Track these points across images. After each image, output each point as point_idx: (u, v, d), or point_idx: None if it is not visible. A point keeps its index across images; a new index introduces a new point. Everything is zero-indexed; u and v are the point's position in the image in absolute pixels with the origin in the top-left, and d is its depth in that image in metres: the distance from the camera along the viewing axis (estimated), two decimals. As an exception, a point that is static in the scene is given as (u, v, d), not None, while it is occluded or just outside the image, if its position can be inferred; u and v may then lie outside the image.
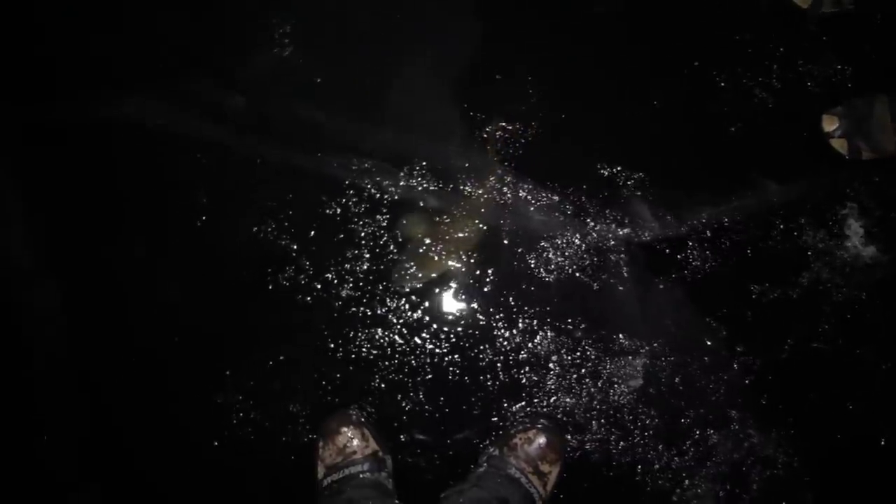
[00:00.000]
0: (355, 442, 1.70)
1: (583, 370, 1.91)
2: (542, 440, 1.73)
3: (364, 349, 1.93)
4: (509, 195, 1.99)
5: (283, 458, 1.88)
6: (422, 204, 1.98)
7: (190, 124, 2.04)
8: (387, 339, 1.93)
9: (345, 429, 1.72)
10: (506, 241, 1.96)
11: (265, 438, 1.89)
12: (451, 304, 1.95)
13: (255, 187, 2.01)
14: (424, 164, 2.00)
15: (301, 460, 1.84)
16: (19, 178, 2.05)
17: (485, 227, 1.97)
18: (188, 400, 1.94)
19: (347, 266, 1.96)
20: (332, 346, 1.93)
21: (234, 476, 1.91)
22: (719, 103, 2.04)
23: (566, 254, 1.96)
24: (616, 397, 1.90)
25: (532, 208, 1.98)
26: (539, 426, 1.77)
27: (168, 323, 1.97)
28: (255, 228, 1.98)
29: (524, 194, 1.99)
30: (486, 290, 1.95)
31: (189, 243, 2.00)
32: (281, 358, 1.92)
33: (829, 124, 1.96)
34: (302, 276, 1.96)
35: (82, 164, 2.04)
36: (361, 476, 1.64)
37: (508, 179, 1.99)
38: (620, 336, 1.93)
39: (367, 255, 1.96)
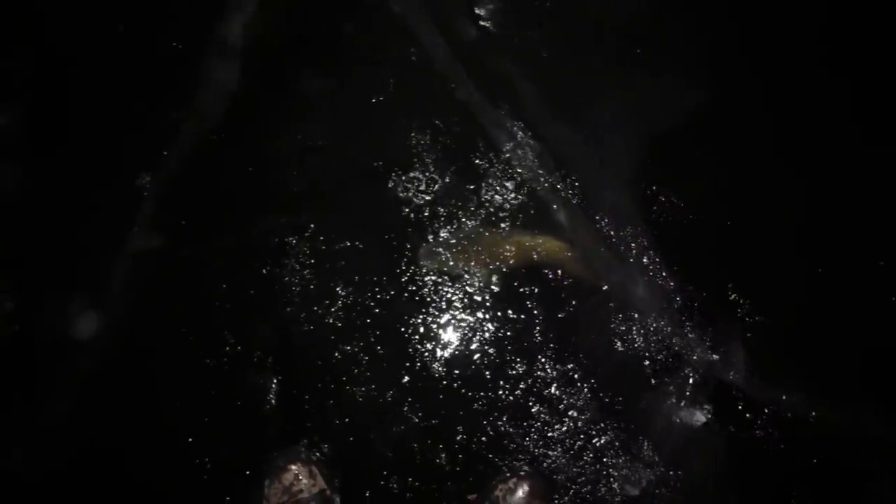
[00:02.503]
0: (303, 480, 1.63)
1: (591, 444, 1.79)
2: (525, 488, 1.64)
3: (412, 287, 1.92)
4: (632, 256, 1.94)
5: (293, 312, 1.89)
6: (554, 207, 1.98)
7: (423, 27, 2.18)
8: (428, 290, 1.91)
9: (292, 466, 1.64)
10: (601, 290, 1.91)
11: (282, 289, 1.91)
12: (515, 304, 1.90)
13: (435, 105, 2.10)
14: (582, 180, 2.01)
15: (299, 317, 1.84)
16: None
17: (590, 267, 1.93)
18: (265, 220, 2.00)
19: (454, 209, 1.98)
20: (396, 253, 1.95)
21: (235, 297, 1.93)
22: (885, 321, 1.92)
23: (646, 338, 1.87)
24: (605, 490, 1.76)
25: (643, 280, 1.92)
26: (521, 473, 1.67)
27: (289, 155, 2.06)
28: (412, 133, 2.06)
29: (646, 262, 1.93)
30: (558, 315, 1.89)
31: (355, 110, 2.10)
32: (349, 244, 1.95)
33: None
34: (412, 191, 2.00)
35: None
36: None
37: (642, 241, 1.95)
38: (646, 443, 1.79)
39: (482, 215, 1.97)
